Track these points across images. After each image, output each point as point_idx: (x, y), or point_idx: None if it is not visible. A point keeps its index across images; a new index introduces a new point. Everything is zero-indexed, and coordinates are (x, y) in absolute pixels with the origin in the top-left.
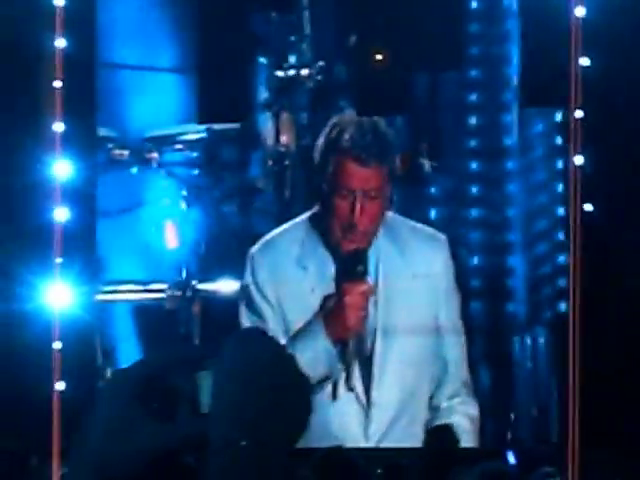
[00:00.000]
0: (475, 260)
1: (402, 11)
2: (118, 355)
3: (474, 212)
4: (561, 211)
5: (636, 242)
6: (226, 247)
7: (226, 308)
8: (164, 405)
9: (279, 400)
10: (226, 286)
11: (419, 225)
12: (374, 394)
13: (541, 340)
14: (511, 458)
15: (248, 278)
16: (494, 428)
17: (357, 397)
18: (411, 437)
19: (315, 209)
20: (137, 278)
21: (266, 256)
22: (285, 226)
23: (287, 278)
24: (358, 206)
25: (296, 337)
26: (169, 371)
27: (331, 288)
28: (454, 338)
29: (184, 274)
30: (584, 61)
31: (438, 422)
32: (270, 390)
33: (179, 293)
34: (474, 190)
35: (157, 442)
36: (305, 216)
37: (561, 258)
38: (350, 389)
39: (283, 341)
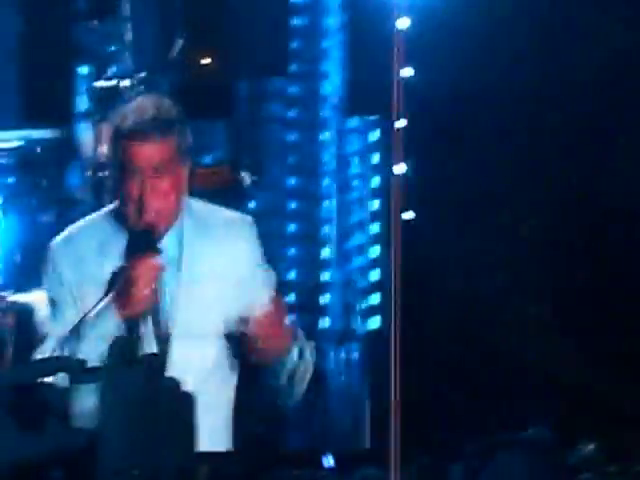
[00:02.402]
0: (292, 274)
1: (226, 22)
2: None
3: (292, 227)
4: (376, 228)
5: (457, 248)
6: (42, 257)
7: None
8: (32, 416)
9: (169, 427)
10: (41, 297)
11: (225, 210)
12: (170, 368)
13: (355, 354)
14: (330, 461)
15: (48, 267)
16: (308, 439)
17: None
18: (212, 410)
19: (117, 202)
20: None
21: (67, 247)
22: (86, 219)
23: (88, 267)
24: (145, 183)
25: (86, 317)
26: (40, 381)
27: None
28: None
29: None
30: (406, 72)
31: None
32: (162, 417)
33: None
34: (293, 205)
35: (24, 454)
36: (107, 208)
37: (374, 274)
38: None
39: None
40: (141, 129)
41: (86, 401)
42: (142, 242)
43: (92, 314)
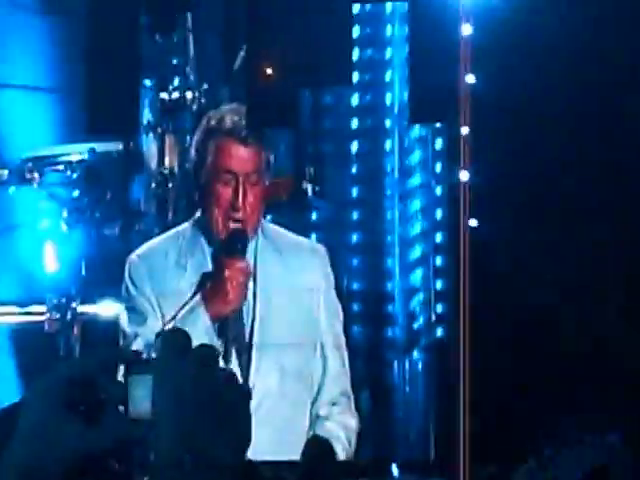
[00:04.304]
0: (355, 285)
1: (289, 32)
2: None
3: (355, 237)
4: (439, 237)
5: (521, 257)
6: (107, 270)
7: (106, 331)
8: (90, 408)
9: (224, 415)
10: (106, 309)
11: (299, 237)
12: (252, 378)
13: (419, 365)
14: (395, 471)
15: (127, 281)
16: (373, 450)
17: None
18: (289, 423)
19: (196, 215)
20: (15, 300)
21: (145, 260)
22: (165, 233)
23: (166, 279)
24: (241, 189)
25: (175, 317)
26: (97, 373)
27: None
28: (334, 349)
29: (64, 297)
30: (470, 79)
31: (317, 429)
32: (217, 405)
33: (59, 316)
34: (355, 216)
35: (82, 446)
36: (187, 222)
37: (438, 284)
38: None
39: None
40: (242, 130)
41: (141, 392)
42: (235, 244)
43: (181, 314)
